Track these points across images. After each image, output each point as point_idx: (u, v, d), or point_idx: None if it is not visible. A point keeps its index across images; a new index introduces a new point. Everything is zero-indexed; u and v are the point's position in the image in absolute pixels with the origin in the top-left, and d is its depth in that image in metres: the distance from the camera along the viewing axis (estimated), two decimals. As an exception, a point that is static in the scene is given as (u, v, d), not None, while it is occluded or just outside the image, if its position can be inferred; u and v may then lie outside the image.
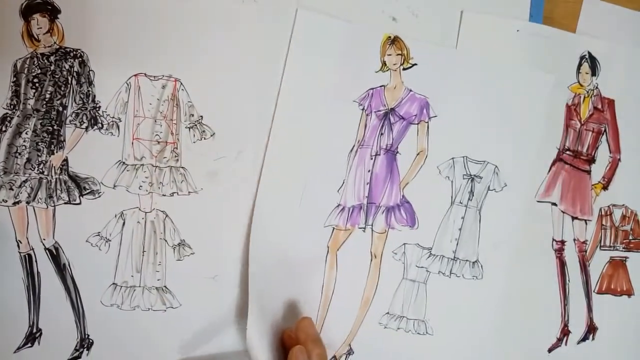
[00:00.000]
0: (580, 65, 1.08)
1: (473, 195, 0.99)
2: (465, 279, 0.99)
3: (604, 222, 1.11)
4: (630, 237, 1.12)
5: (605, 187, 1.11)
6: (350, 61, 0.93)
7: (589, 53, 1.08)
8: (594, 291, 1.11)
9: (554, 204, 1.09)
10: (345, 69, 0.93)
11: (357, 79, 0.94)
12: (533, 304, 1.08)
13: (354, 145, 0.94)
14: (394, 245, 0.96)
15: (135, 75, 0.88)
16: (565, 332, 1.09)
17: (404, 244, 0.97)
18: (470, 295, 1.00)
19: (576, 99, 1.08)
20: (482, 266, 1.00)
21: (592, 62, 1.09)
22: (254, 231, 0.90)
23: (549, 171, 1.08)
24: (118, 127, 0.88)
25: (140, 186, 0.89)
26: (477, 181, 0.99)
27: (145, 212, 0.89)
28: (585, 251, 1.11)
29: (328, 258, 0.93)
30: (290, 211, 0.91)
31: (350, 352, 0.95)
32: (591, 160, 1.11)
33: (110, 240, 0.88)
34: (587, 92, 1.08)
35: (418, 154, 0.96)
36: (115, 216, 0.88)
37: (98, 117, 0.87)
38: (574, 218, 1.10)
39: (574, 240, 1.10)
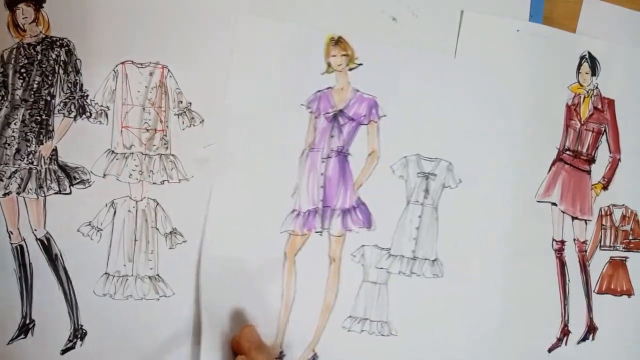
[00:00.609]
0: (580, 65, 1.03)
1: (428, 193, 0.93)
2: (426, 278, 0.93)
3: (604, 222, 1.05)
4: (630, 237, 1.06)
5: (605, 187, 1.05)
6: (294, 64, 0.88)
7: (589, 53, 1.03)
8: (594, 291, 1.05)
9: (554, 204, 1.03)
10: (290, 72, 0.88)
11: (303, 82, 0.88)
12: (533, 303, 1.01)
13: (304, 149, 0.88)
14: (352, 247, 0.90)
15: (122, 62, 0.83)
16: (565, 332, 1.03)
17: (362, 245, 0.90)
18: (432, 293, 0.94)
19: (576, 99, 1.04)
20: (442, 264, 0.94)
21: (592, 62, 1.04)
22: (205, 240, 0.85)
23: (548, 171, 1.02)
24: (106, 115, 0.84)
25: (131, 175, 0.84)
26: (431, 179, 0.93)
27: (136, 201, 0.85)
28: (585, 251, 1.04)
29: (286, 264, 0.87)
30: (244, 219, 0.86)
31: (314, 357, 0.89)
32: (591, 160, 1.04)
33: (101, 230, 0.84)
34: (587, 92, 1.03)
35: (370, 154, 0.91)
36: (106, 205, 0.84)
37: (86, 105, 0.83)
38: (574, 218, 1.04)
39: (574, 240, 1.04)
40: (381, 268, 0.92)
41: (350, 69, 0.90)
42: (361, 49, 0.90)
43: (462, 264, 0.96)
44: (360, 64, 0.90)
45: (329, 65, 0.89)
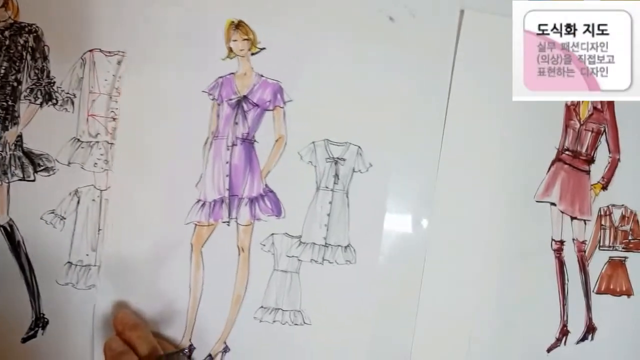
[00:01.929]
0: (579, 65, 0.86)
1: (338, 178, 0.78)
2: (338, 265, 0.78)
3: (603, 222, 0.89)
4: (630, 238, 0.90)
5: (604, 187, 0.89)
6: (194, 50, 0.75)
7: (589, 53, 0.87)
8: (593, 291, 0.88)
9: (553, 203, 0.87)
10: (190, 58, 0.75)
11: (204, 68, 0.75)
12: (532, 303, 0.86)
13: (208, 137, 0.75)
14: (261, 236, 0.77)
15: (90, 50, 0.73)
16: (564, 332, 0.87)
17: (272, 234, 0.77)
18: (345, 280, 0.79)
19: (575, 99, 0.87)
20: (354, 250, 0.78)
21: (592, 63, 0.85)
22: (107, 235, 0.74)
23: (548, 171, 0.86)
24: (73, 103, 0.73)
25: (96, 163, 0.74)
26: (340, 164, 0.78)
27: (101, 190, 0.74)
28: (585, 251, 0.88)
29: (193, 256, 0.74)
30: (147, 211, 0.74)
31: (226, 349, 0.76)
32: (590, 161, 0.88)
33: (65, 218, 0.73)
34: (587, 92, 0.86)
35: (277, 140, 0.76)
36: (70, 194, 0.73)
37: (53, 92, 0.73)
38: (573, 218, 0.88)
39: (573, 240, 0.88)
40: (292, 256, 0.79)
41: (253, 54, 0.77)
42: (263, 33, 0.76)
43: (374, 249, 0.81)
44: (263, 49, 0.76)
45: (230, 50, 0.75)
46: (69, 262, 0.73)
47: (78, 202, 0.73)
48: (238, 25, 0.77)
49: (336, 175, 0.79)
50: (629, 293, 0.89)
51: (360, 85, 0.80)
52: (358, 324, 0.81)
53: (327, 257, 0.80)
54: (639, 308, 0.89)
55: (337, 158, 0.80)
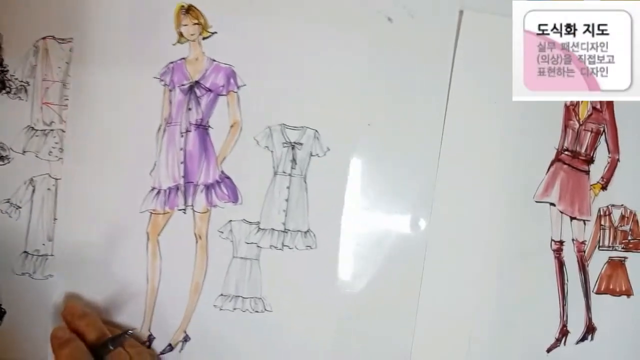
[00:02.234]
0: (578, 64, 0.83)
1: (296, 163, 0.76)
2: (298, 250, 0.75)
3: (602, 223, 0.86)
4: (630, 238, 0.87)
5: (604, 188, 0.86)
6: (143, 36, 0.72)
7: (588, 52, 0.84)
8: (592, 291, 0.86)
9: (553, 204, 0.84)
10: (139, 44, 0.72)
11: (154, 53, 0.72)
12: (531, 304, 0.84)
13: (160, 124, 0.72)
14: (219, 223, 0.74)
15: (43, 38, 0.71)
16: (564, 332, 0.85)
17: (230, 221, 0.74)
18: (306, 265, 0.76)
19: (575, 99, 0.84)
20: (314, 235, 0.76)
21: (591, 61, 0.82)
22: (58, 227, 0.72)
23: (547, 171, 0.84)
24: (26, 91, 0.71)
25: (50, 152, 0.72)
26: (297, 148, 0.77)
27: (56, 179, 0.72)
28: (584, 251, 0.86)
29: (149, 245, 0.72)
30: (101, 201, 0.72)
31: (186, 338, 0.74)
32: (590, 161, 0.85)
33: (20, 207, 0.72)
34: (586, 91, 0.84)
35: (232, 126, 0.73)
36: (25, 183, 0.72)
37: (6, 81, 0.71)
38: (572, 218, 0.85)
39: (573, 240, 0.86)
40: (251, 243, 0.76)
41: (204, 38, 0.75)
42: (214, 17, 0.73)
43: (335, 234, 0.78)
44: (215, 33, 0.74)
45: (180, 35, 0.72)
46: (25, 251, 0.72)
47: (33, 191, 0.71)
48: (188, 10, 0.74)
49: (293, 160, 0.76)
50: (628, 293, 0.86)
51: (316, 67, 0.77)
52: (321, 310, 0.78)
53: (286, 242, 0.77)
54: (639, 308, 0.86)
55: (294, 142, 0.77)
